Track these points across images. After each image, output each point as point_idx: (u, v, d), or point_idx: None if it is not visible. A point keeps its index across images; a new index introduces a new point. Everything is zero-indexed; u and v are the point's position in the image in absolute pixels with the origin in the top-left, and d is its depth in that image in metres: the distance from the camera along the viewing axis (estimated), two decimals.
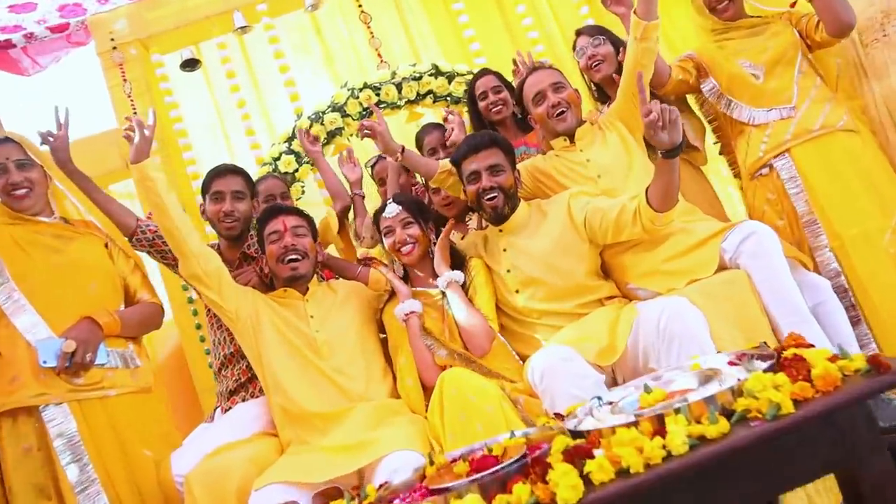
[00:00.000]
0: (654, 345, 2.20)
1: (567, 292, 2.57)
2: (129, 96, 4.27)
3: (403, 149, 2.86)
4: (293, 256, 2.64)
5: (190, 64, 4.26)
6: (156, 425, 2.53)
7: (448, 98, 3.88)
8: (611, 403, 1.65)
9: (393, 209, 2.70)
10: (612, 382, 2.38)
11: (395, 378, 2.64)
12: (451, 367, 2.51)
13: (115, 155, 4.29)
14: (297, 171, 3.83)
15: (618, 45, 3.17)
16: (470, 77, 3.82)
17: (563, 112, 2.82)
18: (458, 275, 2.63)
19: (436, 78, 3.85)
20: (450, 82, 3.85)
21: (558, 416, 1.72)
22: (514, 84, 3.21)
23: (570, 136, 2.86)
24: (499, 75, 3.40)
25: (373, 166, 3.66)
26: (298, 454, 2.36)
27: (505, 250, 2.68)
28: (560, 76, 2.88)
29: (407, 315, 2.60)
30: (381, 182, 3.60)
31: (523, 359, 2.58)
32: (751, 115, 2.86)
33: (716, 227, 2.49)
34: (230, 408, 2.73)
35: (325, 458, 2.26)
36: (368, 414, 2.43)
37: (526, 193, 2.86)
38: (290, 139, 3.86)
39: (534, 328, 2.59)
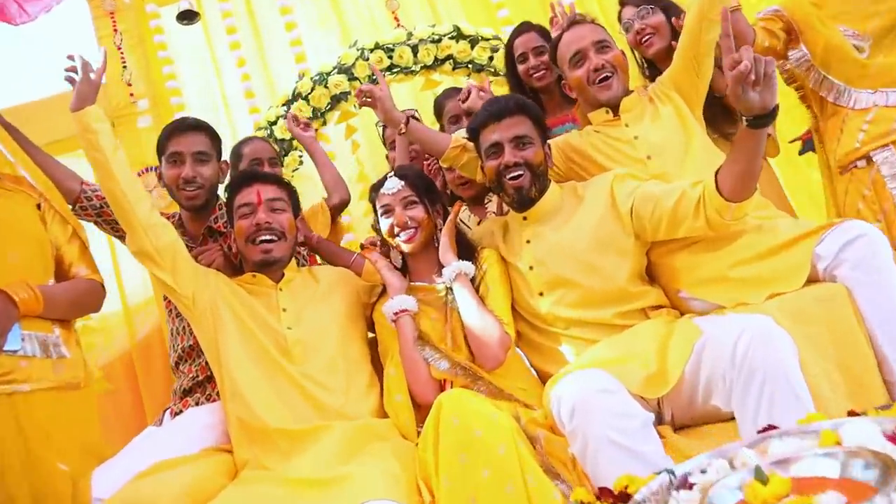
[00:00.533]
0: (724, 377, 1.55)
1: (604, 298, 1.92)
2: (120, 48, 3.67)
3: (409, 119, 2.22)
4: (266, 237, 2.01)
5: (187, 16, 3.60)
6: (79, 432, 1.90)
7: (470, 65, 3.22)
8: (690, 485, 1.00)
9: (393, 185, 2.05)
10: (657, 420, 1.74)
11: (383, 391, 2.01)
12: (451, 384, 1.90)
13: None
14: (294, 138, 3.18)
15: (670, 11, 2.51)
16: (496, 42, 3.19)
17: (607, 77, 2.15)
18: (467, 266, 1.99)
19: (457, 41, 3.19)
20: (472, 47, 3.19)
21: (605, 494, 1.08)
22: None
23: (614, 107, 2.19)
24: (543, 32, 2.70)
25: (385, 128, 2.97)
26: (250, 485, 1.73)
27: (528, 242, 2.02)
28: (605, 34, 2.21)
29: (397, 314, 1.97)
30: (392, 146, 2.92)
31: (543, 377, 1.96)
32: (850, 96, 2.18)
33: (805, 225, 1.84)
34: (181, 411, 2.11)
35: (282, 495, 1.64)
36: (345, 437, 1.80)
37: (556, 176, 2.20)
38: (289, 102, 3.22)
39: (559, 340, 1.94)
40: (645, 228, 1.93)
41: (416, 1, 3.88)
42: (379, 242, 2.20)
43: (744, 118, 1.64)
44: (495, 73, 3.21)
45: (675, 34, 2.44)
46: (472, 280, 2.00)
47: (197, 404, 2.10)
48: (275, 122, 3.20)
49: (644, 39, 2.49)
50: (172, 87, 3.62)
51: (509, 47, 2.76)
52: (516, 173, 1.97)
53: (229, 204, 2.08)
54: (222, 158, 2.29)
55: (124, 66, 3.64)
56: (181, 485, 1.67)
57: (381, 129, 3.01)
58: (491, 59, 3.19)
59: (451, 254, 2.02)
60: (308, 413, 1.87)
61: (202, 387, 2.13)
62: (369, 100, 2.22)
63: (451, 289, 2.00)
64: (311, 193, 2.97)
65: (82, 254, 2.06)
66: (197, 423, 2.00)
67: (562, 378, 1.69)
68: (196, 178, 2.16)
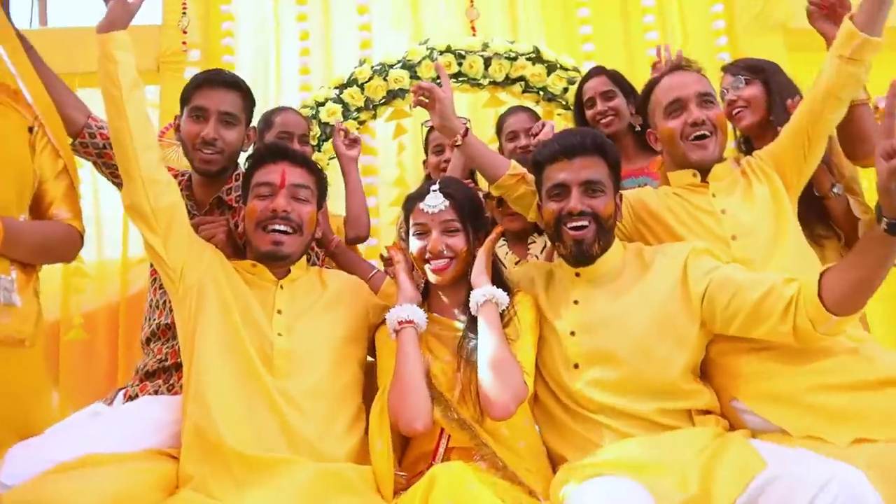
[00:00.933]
0: None
1: (649, 388, 1.57)
2: None
3: (467, 131, 1.86)
4: (280, 227, 1.68)
5: None
6: (7, 399, 1.55)
7: (541, 92, 2.90)
8: None
9: (436, 202, 1.68)
10: None
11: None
12: (449, 437, 1.57)
13: (148, 54, 3.38)
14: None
15: (773, 84, 2.18)
16: (574, 74, 2.88)
17: (704, 136, 1.80)
18: (501, 294, 1.62)
19: (534, 64, 2.87)
20: (549, 73, 2.88)
21: None
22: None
23: (703, 172, 1.84)
24: (614, 76, 2.46)
25: (431, 129, 2.61)
26: None
27: (576, 303, 1.66)
28: (711, 87, 1.87)
29: (401, 324, 1.61)
30: (436, 150, 2.56)
31: (555, 459, 1.62)
32: None
33: None
34: (136, 395, 1.77)
35: None
36: (311, 482, 1.45)
37: (619, 234, 1.83)
38: (343, 86, 2.91)
39: (586, 424, 1.57)
40: (715, 318, 1.57)
41: (497, 17, 3.58)
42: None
43: (884, 220, 1.29)
44: (566, 107, 2.88)
45: (773, 111, 2.13)
46: (501, 317, 1.64)
47: (156, 392, 1.76)
48: (323, 104, 2.89)
49: (735, 112, 2.17)
50: (227, 45, 3.34)
51: (579, 91, 2.51)
52: (580, 223, 1.62)
53: (247, 177, 1.75)
54: (251, 125, 1.96)
55: (184, 13, 3.36)
56: (100, 493, 1.33)
57: (425, 130, 2.66)
58: (565, 90, 2.87)
59: (485, 276, 1.66)
60: (275, 440, 1.53)
61: (167, 373, 1.79)
62: (427, 100, 1.87)
63: (470, 333, 1.64)
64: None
65: (67, 195, 1.73)
66: (148, 416, 1.65)
67: (585, 480, 1.34)
68: (217, 140, 1.83)
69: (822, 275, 1.44)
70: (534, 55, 2.86)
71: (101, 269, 3.52)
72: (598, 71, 2.51)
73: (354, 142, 2.36)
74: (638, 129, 2.45)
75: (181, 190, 1.87)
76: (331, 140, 2.80)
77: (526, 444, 1.60)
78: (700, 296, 1.58)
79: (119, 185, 1.89)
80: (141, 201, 1.61)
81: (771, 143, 1.88)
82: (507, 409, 1.49)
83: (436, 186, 1.70)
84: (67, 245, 1.71)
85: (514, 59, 2.85)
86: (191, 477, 1.49)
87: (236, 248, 1.83)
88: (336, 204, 2.44)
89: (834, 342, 1.52)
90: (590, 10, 3.29)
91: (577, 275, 1.69)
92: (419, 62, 2.86)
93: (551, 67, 2.87)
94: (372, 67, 2.89)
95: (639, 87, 2.48)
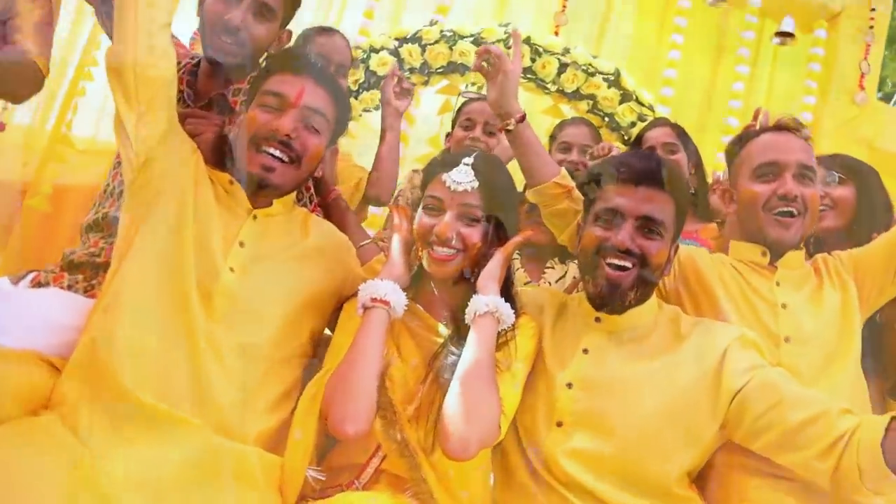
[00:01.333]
0: None
1: (637, 481, 1.25)
2: None
3: (524, 117, 1.54)
4: (276, 151, 1.35)
5: None
6: None
7: (607, 118, 2.58)
8: None
9: (462, 178, 1.34)
10: None
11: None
12: (384, 456, 1.26)
13: None
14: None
15: (864, 190, 1.89)
16: (646, 111, 2.58)
17: (791, 214, 1.49)
18: (506, 310, 1.28)
19: (609, 87, 2.55)
20: (621, 102, 2.56)
21: None
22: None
23: (774, 254, 1.53)
24: (679, 131, 2.19)
25: (468, 102, 2.23)
26: (29, 446, 1.06)
27: (586, 352, 1.34)
28: (814, 161, 1.56)
29: (374, 301, 1.27)
30: (465, 124, 2.17)
31: None
32: None
33: None
34: (47, 284, 1.45)
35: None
36: (199, 457, 1.14)
37: (656, 290, 1.50)
38: (404, 40, 2.60)
39: (552, 498, 1.26)
40: (740, 425, 1.26)
41: (584, 30, 3.26)
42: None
43: None
44: (626, 143, 2.58)
45: (858, 220, 1.85)
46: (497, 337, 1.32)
47: (69, 288, 1.44)
48: (378, 51, 2.58)
49: (820, 209, 1.86)
50: None
51: (639, 137, 2.24)
52: (623, 263, 1.30)
53: (259, 79, 1.43)
54: (288, 27, 1.65)
55: None
56: None
57: (460, 101, 2.30)
58: (632, 125, 2.56)
59: (495, 284, 1.32)
60: (181, 393, 1.20)
61: (93, 271, 1.48)
62: (491, 68, 1.54)
63: (452, 345, 1.31)
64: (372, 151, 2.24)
65: (39, 29, 1.40)
66: (46, 311, 1.35)
67: None
68: (241, 31, 1.51)
69: (893, 419, 1.12)
70: (612, 77, 2.55)
71: (92, 146, 3.20)
72: (664, 122, 2.28)
73: (407, 92, 1.96)
74: (692, 191, 2.18)
75: (183, 74, 1.57)
76: (372, 91, 2.50)
77: (470, 496, 1.28)
78: (732, 394, 1.26)
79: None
80: (126, 64, 1.29)
81: (859, 248, 1.58)
82: (465, 450, 1.15)
83: (469, 160, 1.36)
84: (21, 78, 1.39)
85: (592, 74, 2.54)
86: (63, 398, 1.18)
87: (220, 156, 1.50)
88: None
89: (869, 501, 1.21)
90: (680, 55, 2.98)
91: (598, 320, 1.37)
92: (493, 42, 2.55)
93: (626, 96, 2.56)
94: (441, 31, 2.58)
95: (704, 153, 2.22)
